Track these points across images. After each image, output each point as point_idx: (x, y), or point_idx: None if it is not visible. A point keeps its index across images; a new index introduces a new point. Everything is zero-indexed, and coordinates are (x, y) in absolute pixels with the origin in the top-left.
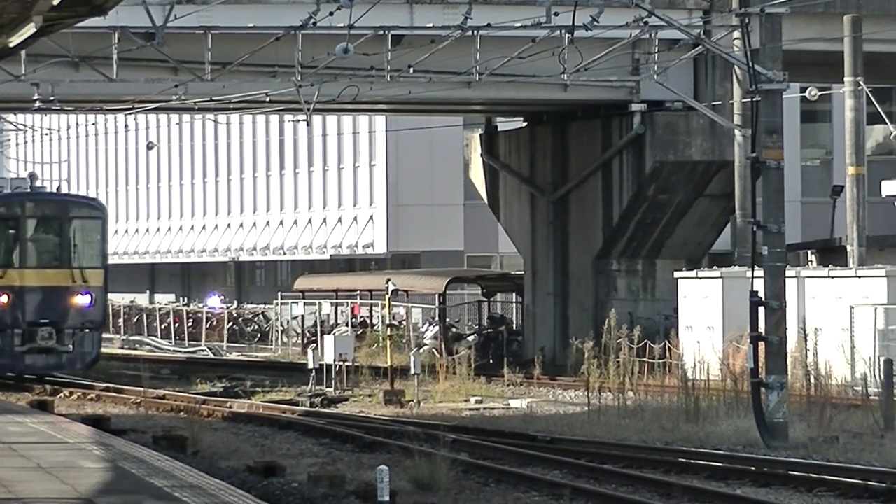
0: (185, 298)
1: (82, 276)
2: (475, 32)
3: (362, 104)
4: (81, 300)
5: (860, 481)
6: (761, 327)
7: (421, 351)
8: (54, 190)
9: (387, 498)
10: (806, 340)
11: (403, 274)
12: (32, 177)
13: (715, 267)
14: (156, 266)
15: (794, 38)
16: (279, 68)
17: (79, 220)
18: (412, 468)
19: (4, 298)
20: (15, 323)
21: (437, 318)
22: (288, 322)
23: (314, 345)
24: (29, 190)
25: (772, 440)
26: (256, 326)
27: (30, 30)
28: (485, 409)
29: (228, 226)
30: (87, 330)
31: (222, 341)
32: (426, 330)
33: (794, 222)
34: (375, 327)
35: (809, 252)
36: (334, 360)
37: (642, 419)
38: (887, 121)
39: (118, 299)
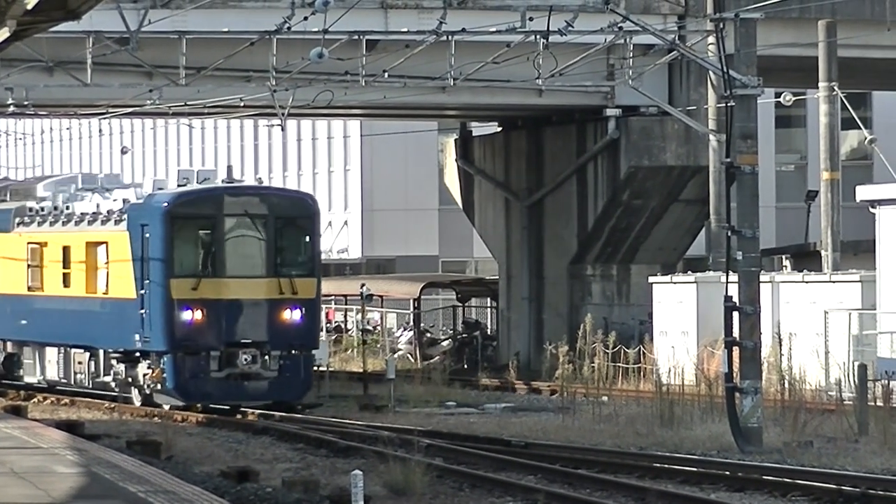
0: None
1: (291, 286)
2: (450, 37)
3: (337, 109)
4: (290, 316)
5: (834, 486)
6: (736, 332)
7: (396, 356)
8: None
9: (361, 503)
10: (780, 345)
11: (378, 279)
12: (230, 169)
13: (689, 272)
14: None
15: (768, 44)
16: (254, 73)
17: (287, 219)
18: (387, 473)
19: (198, 314)
20: (211, 344)
21: (411, 323)
22: None
23: None
24: (225, 183)
25: (746, 445)
26: None
27: (3, 34)
28: (459, 413)
29: None
30: (298, 352)
31: None
32: (401, 335)
33: (769, 227)
34: (350, 332)
35: (784, 257)
36: None
37: (617, 424)
38: (861, 126)
39: None
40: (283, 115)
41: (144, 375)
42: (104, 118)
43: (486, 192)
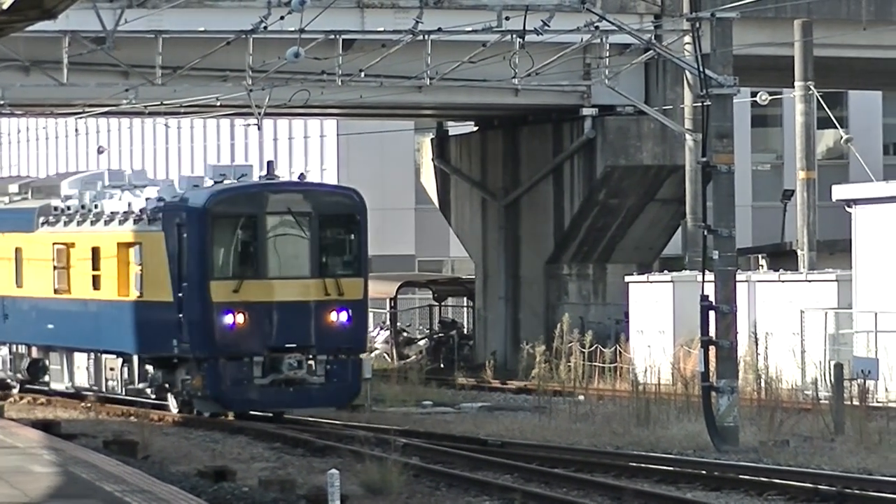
0: None
1: (337, 287)
2: (426, 37)
3: (313, 108)
4: (337, 318)
5: (810, 485)
6: (712, 331)
7: (372, 355)
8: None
9: (338, 502)
10: (757, 345)
11: None
12: (269, 164)
13: (666, 271)
14: None
15: (744, 43)
16: (230, 72)
17: (332, 217)
18: (363, 472)
19: (240, 318)
20: (254, 349)
21: (388, 323)
22: None
23: None
24: (266, 180)
25: (722, 444)
26: None
27: None
28: (436, 413)
29: None
30: (345, 356)
31: None
32: (377, 334)
33: (745, 227)
34: None
35: (760, 256)
36: None
37: (593, 423)
38: (837, 125)
39: None
40: (259, 114)
41: (183, 382)
42: (80, 118)
43: (463, 191)
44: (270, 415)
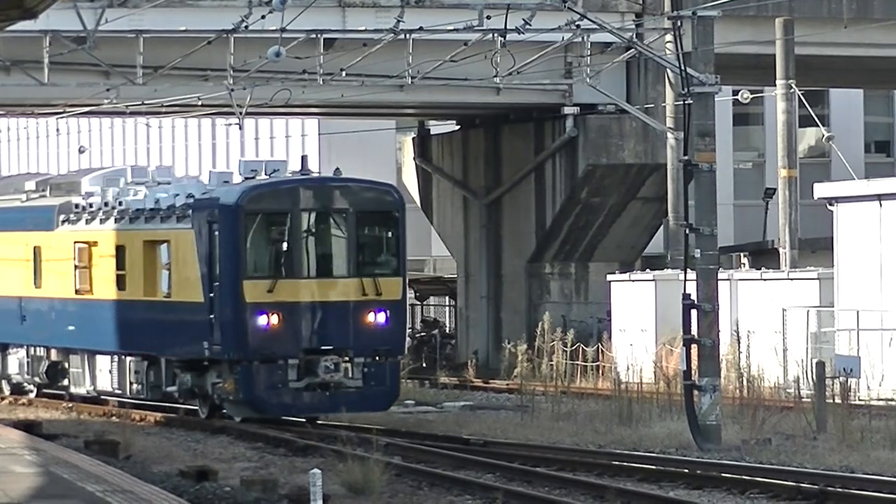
0: None
1: (375, 287)
2: (407, 36)
3: (295, 107)
4: (375, 319)
5: (792, 483)
6: (694, 330)
7: None
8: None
9: (320, 502)
10: (739, 343)
11: None
12: (304, 159)
13: (648, 270)
14: None
15: (726, 41)
16: (211, 72)
17: (369, 214)
18: (345, 472)
19: (275, 319)
20: (289, 351)
21: None
22: None
23: None
24: (300, 175)
25: (705, 442)
26: None
27: None
28: (418, 412)
29: None
30: (382, 358)
31: None
32: None
33: (727, 225)
34: None
35: (742, 255)
36: None
37: (575, 422)
38: (819, 123)
39: None
40: (240, 113)
41: (213, 385)
42: (61, 117)
43: (445, 190)
44: (304, 420)
